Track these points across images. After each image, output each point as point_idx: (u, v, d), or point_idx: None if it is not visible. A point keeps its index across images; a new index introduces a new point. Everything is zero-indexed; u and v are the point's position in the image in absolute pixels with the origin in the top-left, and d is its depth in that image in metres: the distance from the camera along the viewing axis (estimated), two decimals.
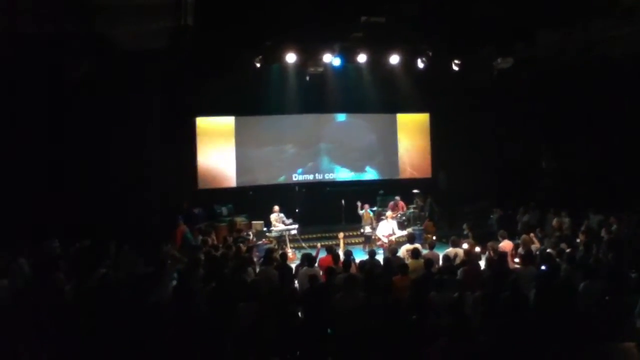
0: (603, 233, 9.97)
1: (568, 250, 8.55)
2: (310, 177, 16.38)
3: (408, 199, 14.87)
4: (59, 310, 5.69)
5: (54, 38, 9.74)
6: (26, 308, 5.69)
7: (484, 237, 10.99)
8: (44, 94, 11.46)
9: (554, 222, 11.66)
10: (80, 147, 12.24)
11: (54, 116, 11.83)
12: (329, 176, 16.66)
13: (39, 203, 11.18)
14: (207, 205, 14.45)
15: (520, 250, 9.09)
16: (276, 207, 13.24)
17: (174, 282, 7.12)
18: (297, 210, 13.96)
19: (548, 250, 8.78)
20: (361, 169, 16.92)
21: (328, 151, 16.63)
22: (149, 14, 9.54)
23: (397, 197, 14.63)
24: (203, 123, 15.55)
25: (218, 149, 15.62)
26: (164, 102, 13.36)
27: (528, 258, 8.03)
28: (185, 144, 14.94)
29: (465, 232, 11.84)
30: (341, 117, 16.78)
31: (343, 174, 16.76)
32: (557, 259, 8.08)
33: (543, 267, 7.67)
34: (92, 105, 12.13)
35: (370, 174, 16.99)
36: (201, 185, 15.35)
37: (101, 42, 9.93)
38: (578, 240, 9.84)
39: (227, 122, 15.80)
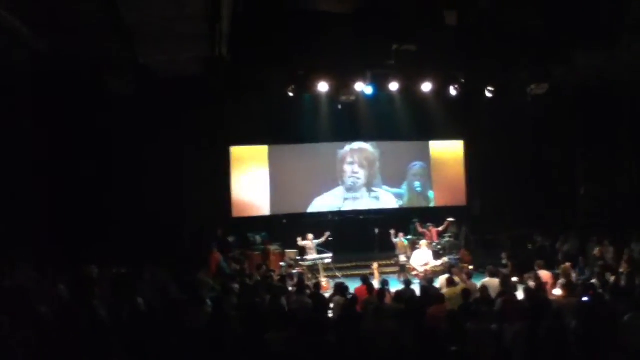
0: None
1: (611, 280, 8.26)
2: (344, 205, 16.31)
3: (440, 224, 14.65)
4: (96, 336, 5.74)
5: (96, 62, 10.12)
6: (65, 334, 5.77)
7: (523, 267, 10.71)
8: (81, 118, 11.84)
9: (596, 250, 11.29)
10: (116, 173, 12.57)
11: (93, 142, 12.20)
12: (362, 204, 16.57)
13: (77, 229, 11.46)
14: (241, 233, 14.53)
15: (560, 280, 8.80)
16: (310, 236, 13.20)
17: (208, 310, 7.12)
18: (330, 239, 13.91)
19: (594, 281, 8.48)
20: (395, 197, 16.79)
21: (362, 179, 16.58)
22: (186, 43, 9.83)
23: (429, 224, 14.45)
24: (237, 151, 15.76)
25: (252, 177, 15.76)
26: (199, 130, 13.64)
27: (569, 288, 7.77)
28: (220, 172, 15.14)
29: (504, 262, 11.55)
30: (374, 145, 16.75)
31: (377, 202, 16.65)
32: (600, 290, 7.79)
33: (585, 298, 7.40)
34: (129, 132, 12.48)
35: (404, 202, 16.84)
36: (235, 213, 15.46)
37: (140, 68, 10.26)
38: (621, 270, 9.49)
39: (260, 151, 15.98)
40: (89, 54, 9.77)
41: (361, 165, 16.53)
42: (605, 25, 10.32)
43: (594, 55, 11.51)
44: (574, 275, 9.13)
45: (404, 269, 12.85)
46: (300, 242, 13.02)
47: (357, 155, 16.57)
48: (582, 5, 9.95)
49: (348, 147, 16.53)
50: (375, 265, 12.29)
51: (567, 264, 9.82)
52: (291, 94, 12.64)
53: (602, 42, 10.71)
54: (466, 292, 7.58)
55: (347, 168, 16.50)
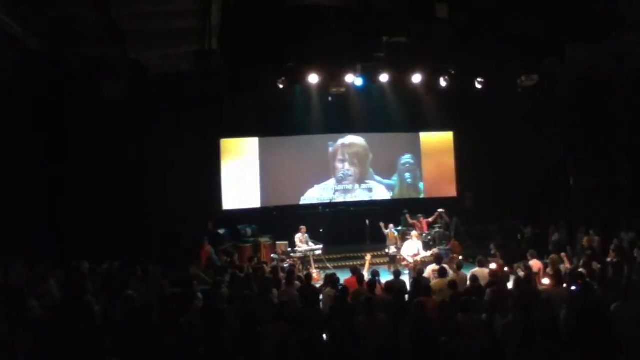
0: (636, 253, 9.69)
1: (599, 270, 8.36)
2: (334, 196, 16.37)
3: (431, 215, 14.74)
4: (90, 331, 5.75)
5: (88, 61, 10.08)
6: (57, 329, 5.76)
7: (513, 257, 10.81)
8: (75, 115, 11.80)
9: (584, 240, 11.41)
10: (107, 169, 12.53)
11: (86, 137, 12.16)
12: (353, 196, 16.62)
13: (70, 224, 11.43)
14: (231, 225, 14.53)
15: (549, 270, 8.90)
16: (303, 228, 13.22)
17: (199, 303, 7.14)
18: (321, 231, 13.96)
19: (581, 270, 8.56)
20: (385, 189, 16.85)
21: (352, 171, 16.63)
22: (175, 38, 9.78)
23: (420, 215, 14.55)
24: (227, 144, 15.73)
25: (242, 169, 15.76)
26: (190, 123, 13.59)
27: (558, 278, 7.86)
28: (211, 164, 15.11)
29: (492, 252, 11.65)
30: (364, 137, 16.77)
31: (367, 194, 16.70)
32: (588, 279, 7.89)
33: (573, 287, 7.50)
34: (121, 127, 12.44)
35: (395, 194, 16.91)
36: (226, 205, 15.46)
37: (131, 65, 10.22)
38: (609, 260, 9.60)
39: (251, 143, 15.95)
40: (81, 52, 9.72)
41: (352, 163, 16.60)
42: (597, 17, 10.34)
43: (586, 47, 11.55)
44: (564, 266, 9.20)
45: (394, 260, 12.93)
46: (297, 241, 12.99)
47: (347, 151, 16.61)
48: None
49: (340, 141, 16.56)
50: (368, 256, 12.32)
51: (556, 255, 9.91)
52: (281, 86, 12.60)
53: (594, 34, 10.74)
54: (453, 284, 7.62)
55: (338, 165, 16.56)
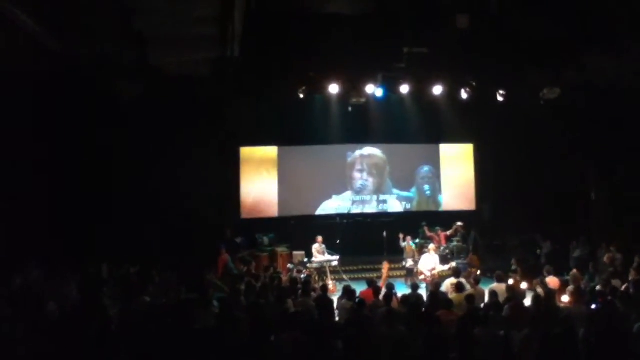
0: None
1: (623, 289, 8.17)
2: (352, 208, 16.30)
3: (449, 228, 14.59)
4: (106, 335, 5.78)
5: (105, 63, 10.20)
6: (74, 332, 5.81)
7: (533, 272, 10.63)
8: (93, 119, 11.92)
9: (606, 257, 11.18)
10: (126, 175, 12.65)
11: (104, 144, 12.27)
12: (371, 207, 16.55)
13: (89, 230, 11.55)
14: (249, 234, 14.56)
15: (569, 287, 8.72)
16: (319, 238, 13.20)
17: (215, 310, 7.14)
18: (338, 242, 13.90)
19: (598, 287, 8.39)
20: (404, 201, 16.74)
21: (370, 182, 16.56)
22: (197, 45, 9.88)
23: (438, 228, 14.42)
24: (247, 152, 15.80)
25: (261, 178, 15.80)
26: (209, 130, 13.69)
27: (578, 295, 7.70)
28: (229, 172, 15.19)
29: (513, 267, 11.46)
30: (383, 148, 16.71)
31: (385, 205, 16.61)
32: (609, 297, 7.71)
33: (594, 306, 7.34)
34: (139, 132, 12.55)
35: (413, 206, 16.79)
36: (244, 214, 15.50)
37: (149, 70, 10.31)
38: (630, 278, 9.38)
39: (270, 152, 16.01)
40: (99, 55, 9.86)
41: (370, 174, 16.52)
42: (617, 26, 10.22)
43: (607, 60, 11.40)
44: (583, 282, 9.03)
45: (411, 273, 12.81)
46: (314, 251, 12.98)
47: (366, 162, 16.55)
48: (594, 9, 9.88)
49: (358, 152, 16.53)
50: (385, 265, 12.19)
51: (576, 271, 9.74)
52: (302, 96, 12.65)
53: (614, 47, 10.61)
54: (470, 298, 7.52)
55: (356, 175, 16.50)
